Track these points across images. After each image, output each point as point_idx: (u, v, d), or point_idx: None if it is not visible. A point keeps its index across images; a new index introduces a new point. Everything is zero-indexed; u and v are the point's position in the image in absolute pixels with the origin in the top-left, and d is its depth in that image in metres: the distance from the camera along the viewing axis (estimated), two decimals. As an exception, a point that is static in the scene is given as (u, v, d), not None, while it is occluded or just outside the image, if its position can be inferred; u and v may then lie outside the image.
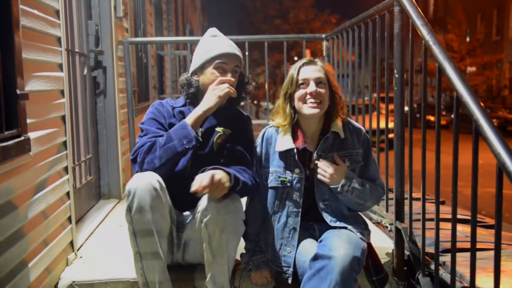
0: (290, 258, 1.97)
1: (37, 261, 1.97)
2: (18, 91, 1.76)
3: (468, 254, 1.62)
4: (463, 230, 2.53)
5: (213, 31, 2.17)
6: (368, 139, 2.15)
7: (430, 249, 2.08)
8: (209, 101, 1.99)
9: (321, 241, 1.92)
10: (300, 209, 2.02)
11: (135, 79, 4.33)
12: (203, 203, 1.87)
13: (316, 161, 2.01)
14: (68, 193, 2.40)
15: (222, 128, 2.10)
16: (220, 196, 1.83)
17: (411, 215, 2.17)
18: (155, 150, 1.91)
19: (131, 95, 3.89)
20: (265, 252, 2.08)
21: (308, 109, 1.98)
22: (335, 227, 1.98)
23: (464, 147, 1.79)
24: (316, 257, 1.79)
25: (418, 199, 2.50)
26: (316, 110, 1.97)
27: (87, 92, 3.28)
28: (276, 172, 2.04)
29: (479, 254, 1.74)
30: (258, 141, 2.11)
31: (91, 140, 3.34)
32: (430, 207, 2.78)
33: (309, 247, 1.93)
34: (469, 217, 2.83)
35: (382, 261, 2.14)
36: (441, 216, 1.92)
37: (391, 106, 2.43)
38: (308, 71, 2.00)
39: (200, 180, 1.76)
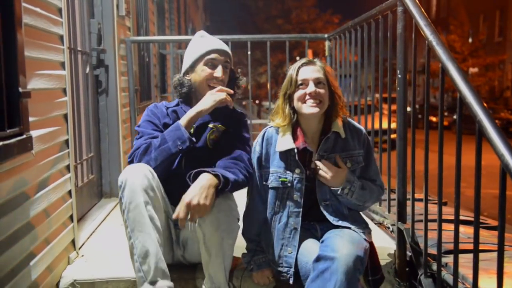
0: (291, 258, 1.97)
1: (39, 259, 1.97)
2: (20, 89, 1.76)
3: (470, 255, 1.62)
4: (465, 231, 2.52)
5: (201, 32, 2.26)
6: (368, 139, 2.15)
7: (432, 250, 2.07)
8: (204, 103, 2.04)
9: (323, 241, 1.91)
10: (301, 209, 2.01)
11: (137, 78, 4.33)
12: None
13: (316, 162, 2.01)
14: (70, 192, 2.40)
15: (214, 124, 2.14)
16: (205, 212, 1.82)
17: (413, 216, 2.17)
18: (150, 152, 1.96)
19: (133, 94, 3.89)
20: (266, 252, 2.08)
21: (308, 108, 1.97)
22: (336, 227, 1.98)
23: (466, 148, 1.78)
24: (319, 258, 1.78)
25: (420, 200, 2.50)
26: (316, 110, 1.97)
27: (89, 91, 3.28)
28: (276, 173, 2.04)
29: (481, 256, 1.74)
30: (258, 141, 2.10)
31: (93, 138, 3.35)
32: (432, 208, 2.76)
33: (311, 247, 1.92)
34: (471, 218, 2.83)
35: (384, 261, 2.14)
36: (444, 217, 1.91)
37: (393, 107, 2.42)
38: (307, 72, 2.00)
39: (177, 213, 1.79)
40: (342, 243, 1.80)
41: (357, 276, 1.76)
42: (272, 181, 2.04)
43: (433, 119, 15.34)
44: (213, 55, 2.11)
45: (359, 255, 1.76)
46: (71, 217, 2.41)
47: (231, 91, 2.12)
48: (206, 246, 1.90)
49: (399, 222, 2.24)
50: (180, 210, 1.79)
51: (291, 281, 1.96)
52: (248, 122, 2.75)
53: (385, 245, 2.41)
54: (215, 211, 1.86)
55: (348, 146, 2.06)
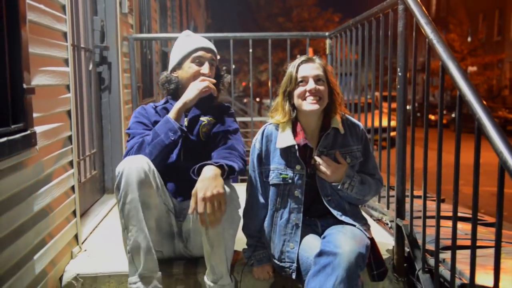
0: (294, 254, 1.99)
1: (42, 254, 1.99)
2: (24, 86, 1.78)
3: (467, 251, 1.63)
4: (463, 228, 2.55)
5: (186, 32, 2.34)
6: (366, 134, 2.17)
7: (430, 246, 2.10)
8: (189, 93, 2.12)
9: (324, 237, 1.93)
10: (302, 205, 2.03)
11: (139, 75, 4.35)
12: None
13: (316, 158, 2.03)
14: (73, 187, 2.42)
15: (206, 118, 2.21)
16: (223, 199, 1.84)
17: (411, 213, 2.19)
18: (144, 148, 2.01)
19: (136, 91, 3.92)
20: (267, 248, 2.10)
21: (308, 105, 1.99)
22: (338, 222, 2.00)
23: (464, 146, 1.80)
24: (321, 253, 1.80)
25: (418, 197, 2.52)
26: (316, 106, 1.99)
27: (92, 88, 3.30)
28: (277, 169, 2.05)
29: (478, 252, 1.76)
30: (257, 138, 2.12)
31: (96, 135, 3.36)
32: (431, 205, 2.79)
33: (312, 243, 1.95)
34: (469, 215, 2.85)
35: (383, 257, 2.16)
36: (442, 214, 1.93)
37: (393, 105, 2.44)
38: (306, 69, 2.02)
39: (193, 209, 1.83)
40: (345, 240, 1.82)
41: (358, 273, 1.78)
42: (273, 178, 2.06)
43: (432, 117, 15.37)
44: (200, 53, 2.19)
45: (361, 252, 1.79)
46: (74, 212, 2.43)
47: (214, 81, 2.18)
48: (208, 237, 1.92)
49: (397, 219, 2.26)
50: (198, 206, 1.81)
51: (293, 276, 1.98)
52: (249, 119, 2.78)
53: (384, 241, 2.44)
54: None
55: (347, 141, 2.09)
